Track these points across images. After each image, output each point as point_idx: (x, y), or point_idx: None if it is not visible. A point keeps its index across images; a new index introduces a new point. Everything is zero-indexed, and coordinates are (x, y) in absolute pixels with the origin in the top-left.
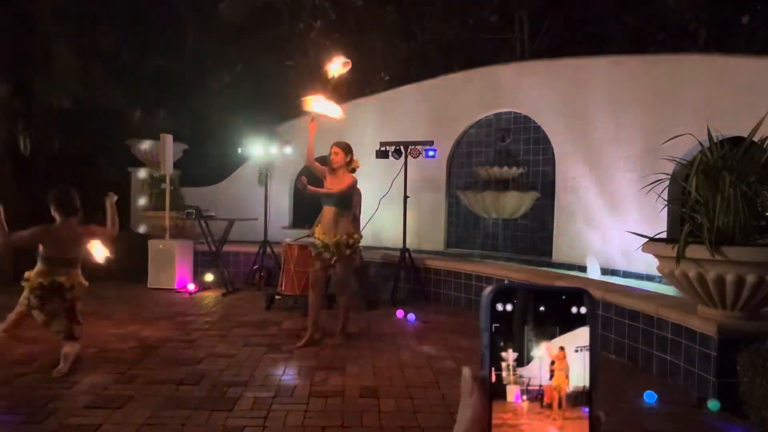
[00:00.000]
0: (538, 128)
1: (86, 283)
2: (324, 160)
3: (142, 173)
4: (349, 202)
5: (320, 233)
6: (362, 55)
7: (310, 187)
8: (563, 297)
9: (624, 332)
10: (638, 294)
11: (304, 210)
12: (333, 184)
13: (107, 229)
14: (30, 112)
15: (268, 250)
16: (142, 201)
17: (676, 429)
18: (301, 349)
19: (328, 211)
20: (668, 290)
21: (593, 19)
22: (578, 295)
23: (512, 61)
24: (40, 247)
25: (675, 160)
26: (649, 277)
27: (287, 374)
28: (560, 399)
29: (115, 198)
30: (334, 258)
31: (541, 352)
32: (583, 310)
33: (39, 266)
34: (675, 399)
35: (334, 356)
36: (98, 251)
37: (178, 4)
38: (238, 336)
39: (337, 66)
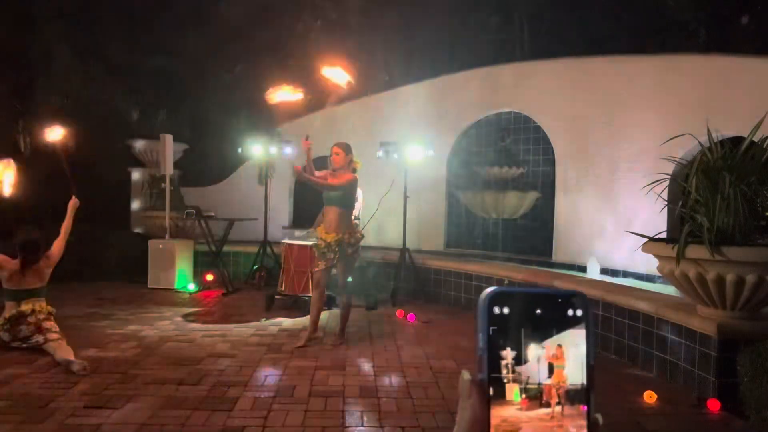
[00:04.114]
0: (538, 128)
1: (50, 308)
2: (324, 162)
3: (142, 173)
4: (350, 200)
5: (323, 233)
6: (362, 55)
7: (304, 174)
8: (559, 300)
9: (624, 332)
10: (638, 294)
11: (304, 210)
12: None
13: (59, 242)
14: (30, 112)
15: (268, 250)
16: (142, 201)
17: (676, 429)
18: (301, 349)
19: (329, 211)
20: (668, 290)
21: (593, 18)
22: (574, 297)
23: (512, 61)
24: (3, 281)
25: (675, 160)
26: (649, 277)
27: (287, 374)
28: (559, 397)
29: (78, 205)
30: (337, 257)
31: (539, 350)
32: (579, 312)
33: (6, 304)
34: (675, 399)
35: (334, 356)
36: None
37: (178, 3)
38: (238, 336)
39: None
